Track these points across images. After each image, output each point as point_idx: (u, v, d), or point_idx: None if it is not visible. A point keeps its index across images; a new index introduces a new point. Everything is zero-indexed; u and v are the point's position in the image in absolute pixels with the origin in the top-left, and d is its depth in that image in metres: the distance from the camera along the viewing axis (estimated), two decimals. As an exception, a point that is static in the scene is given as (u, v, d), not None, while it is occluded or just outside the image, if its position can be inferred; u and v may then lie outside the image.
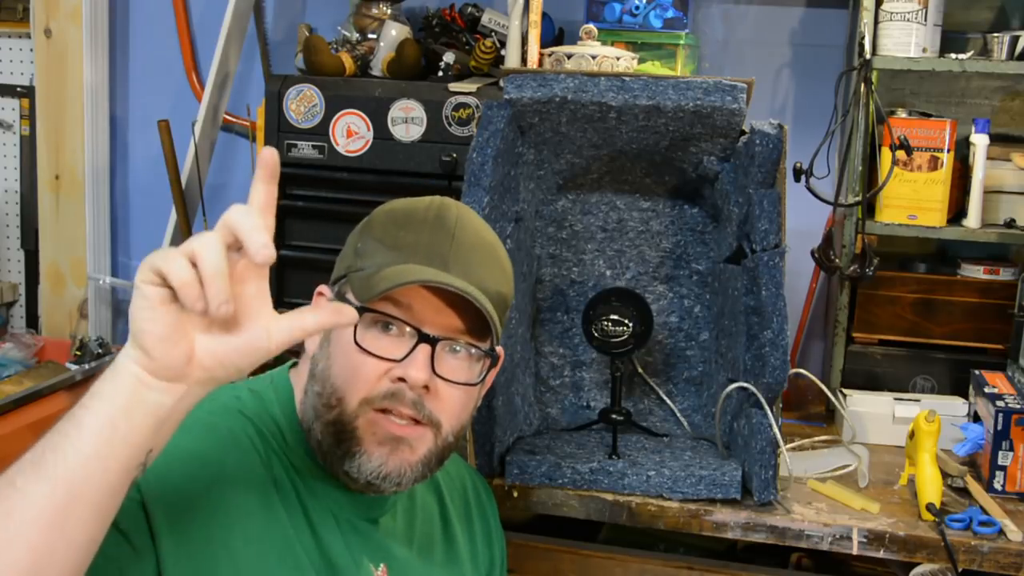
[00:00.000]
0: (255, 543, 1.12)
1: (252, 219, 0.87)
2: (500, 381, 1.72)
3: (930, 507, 1.68)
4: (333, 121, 2.33)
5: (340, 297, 1.21)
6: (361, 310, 1.16)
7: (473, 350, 1.20)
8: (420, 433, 1.17)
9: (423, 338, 1.16)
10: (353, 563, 1.21)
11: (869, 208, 2.21)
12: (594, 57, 2.04)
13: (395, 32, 2.43)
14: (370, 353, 1.16)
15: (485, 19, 2.48)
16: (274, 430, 1.21)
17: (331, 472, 1.20)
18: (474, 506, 1.45)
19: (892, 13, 2.14)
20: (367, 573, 1.23)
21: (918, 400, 2.08)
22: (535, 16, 2.17)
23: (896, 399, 2.08)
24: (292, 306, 1.26)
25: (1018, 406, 1.79)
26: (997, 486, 1.80)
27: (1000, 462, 1.79)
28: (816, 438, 2.03)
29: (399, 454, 1.17)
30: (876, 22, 2.15)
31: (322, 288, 1.27)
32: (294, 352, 1.23)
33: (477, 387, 1.23)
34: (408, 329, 1.16)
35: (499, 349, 1.26)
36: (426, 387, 1.16)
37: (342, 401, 1.17)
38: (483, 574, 1.43)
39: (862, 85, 2.14)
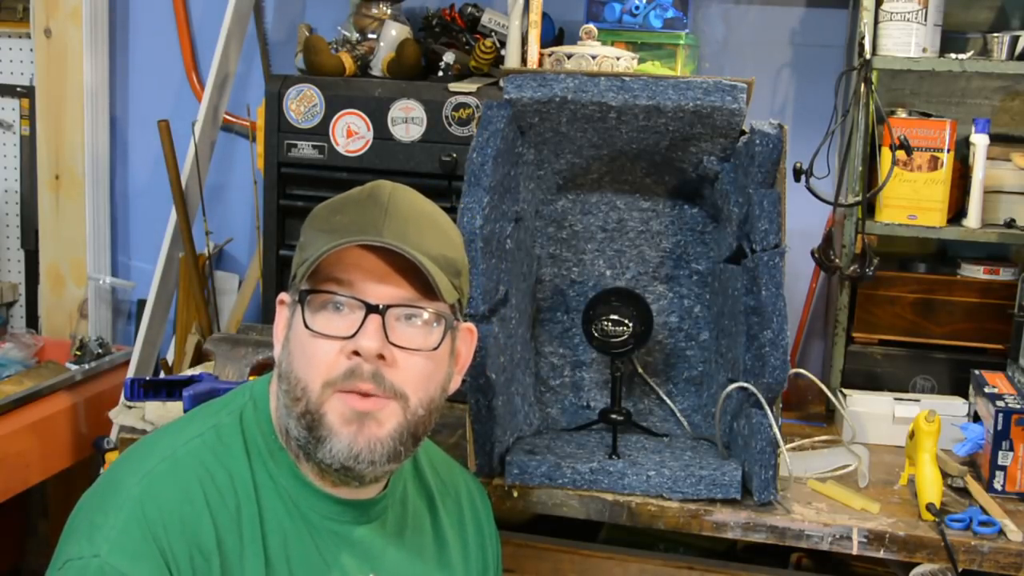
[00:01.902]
0: None
1: None
2: (500, 381, 1.72)
3: (930, 507, 1.68)
4: (333, 121, 2.33)
5: (294, 295, 1.21)
6: (303, 294, 1.17)
7: (426, 314, 1.19)
8: (384, 404, 1.17)
9: (370, 309, 1.16)
10: (340, 573, 1.22)
11: (869, 208, 2.20)
12: (594, 57, 2.04)
13: (395, 32, 2.43)
14: (322, 335, 1.16)
15: (485, 19, 2.48)
16: (245, 468, 1.20)
17: (316, 474, 1.21)
18: (467, 511, 1.45)
19: (892, 13, 2.14)
20: None
21: (918, 400, 2.08)
22: (535, 16, 2.17)
23: (896, 399, 2.08)
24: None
25: (1018, 406, 1.79)
26: (997, 486, 1.80)
27: (1000, 462, 1.79)
28: (816, 438, 2.02)
29: (367, 430, 1.16)
30: (876, 22, 2.15)
31: (282, 296, 1.26)
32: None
33: (442, 355, 1.22)
34: (356, 303, 1.16)
35: (468, 326, 1.26)
36: (382, 357, 1.16)
37: (306, 390, 1.17)
38: None
39: (862, 85, 2.14)
